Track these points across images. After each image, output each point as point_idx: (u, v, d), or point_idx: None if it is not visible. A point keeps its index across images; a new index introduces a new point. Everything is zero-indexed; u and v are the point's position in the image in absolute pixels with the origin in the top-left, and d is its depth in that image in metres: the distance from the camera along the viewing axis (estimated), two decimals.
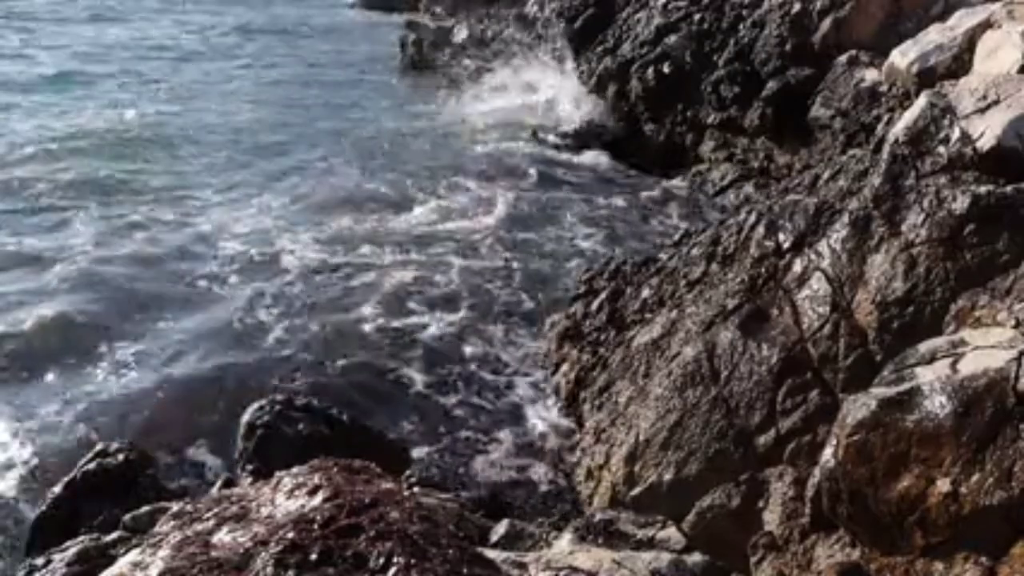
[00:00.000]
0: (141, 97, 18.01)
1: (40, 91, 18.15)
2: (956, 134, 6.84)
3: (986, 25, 9.33)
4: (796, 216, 7.52)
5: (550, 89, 17.14)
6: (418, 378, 9.00)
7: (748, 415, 6.64)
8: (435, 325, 9.92)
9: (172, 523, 3.94)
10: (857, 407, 5.43)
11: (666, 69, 15.13)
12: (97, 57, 21.09)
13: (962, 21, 9.91)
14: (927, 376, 5.34)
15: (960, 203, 6.38)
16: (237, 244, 11.69)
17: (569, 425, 8.27)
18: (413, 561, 3.28)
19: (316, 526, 3.44)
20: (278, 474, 3.98)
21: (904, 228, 6.63)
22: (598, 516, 5.56)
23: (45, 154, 14.51)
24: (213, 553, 3.40)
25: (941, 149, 6.86)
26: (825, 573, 5.47)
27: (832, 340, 6.55)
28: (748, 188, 13.24)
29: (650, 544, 5.22)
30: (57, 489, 6.58)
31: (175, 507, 4.25)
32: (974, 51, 9.19)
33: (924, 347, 5.67)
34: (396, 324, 9.90)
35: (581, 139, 15.72)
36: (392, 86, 19.68)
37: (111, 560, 4.13)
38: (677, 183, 14.15)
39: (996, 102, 6.94)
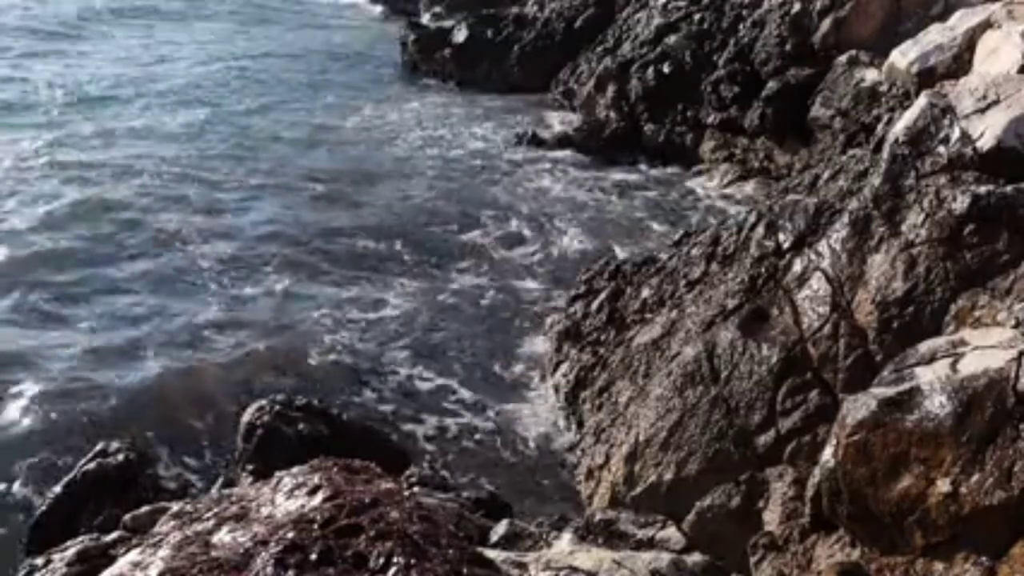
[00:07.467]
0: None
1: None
2: (956, 134, 6.84)
3: (986, 25, 9.32)
4: (796, 216, 7.52)
5: None
6: (419, 377, 8.99)
7: (748, 415, 6.64)
8: (435, 323, 9.92)
9: (172, 523, 3.94)
10: (857, 407, 5.43)
11: (666, 69, 15.14)
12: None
13: (962, 21, 9.89)
14: (927, 376, 5.34)
15: (960, 203, 6.38)
16: (239, 243, 11.67)
17: (569, 425, 8.27)
18: (413, 561, 3.28)
19: (316, 526, 3.44)
20: (278, 474, 3.97)
21: (904, 228, 6.63)
22: (598, 516, 5.57)
23: None
24: (213, 553, 3.40)
25: (941, 149, 6.85)
26: (825, 573, 5.47)
27: (832, 340, 6.55)
28: (748, 188, 13.25)
29: (650, 544, 5.23)
30: (57, 489, 6.58)
31: (175, 507, 4.26)
32: (974, 51, 9.18)
33: (924, 347, 5.67)
34: (396, 322, 9.90)
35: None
36: (392, 86, 19.62)
37: (111, 560, 4.13)
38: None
39: (996, 102, 6.93)
